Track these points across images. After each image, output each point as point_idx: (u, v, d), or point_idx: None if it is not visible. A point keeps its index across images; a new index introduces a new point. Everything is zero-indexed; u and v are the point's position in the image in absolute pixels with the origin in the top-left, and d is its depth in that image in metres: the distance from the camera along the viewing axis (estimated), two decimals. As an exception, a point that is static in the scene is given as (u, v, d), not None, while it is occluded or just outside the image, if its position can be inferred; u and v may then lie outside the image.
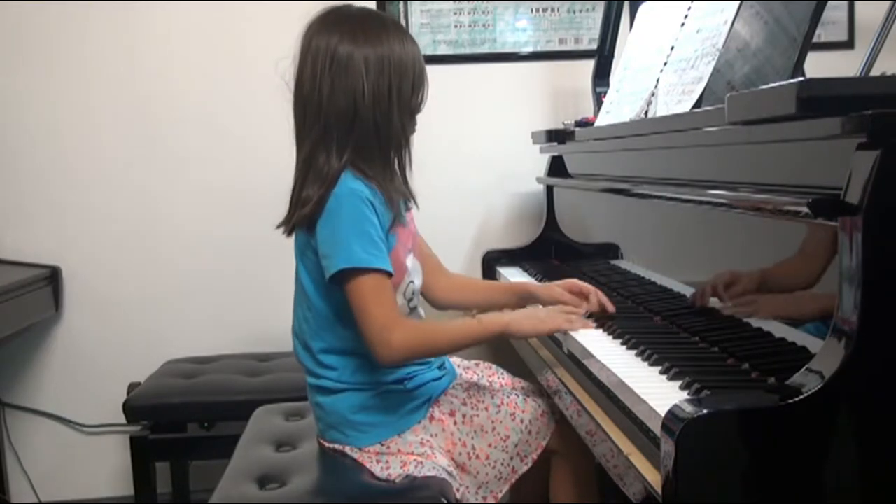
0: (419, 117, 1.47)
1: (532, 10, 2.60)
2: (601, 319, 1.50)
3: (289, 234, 1.44)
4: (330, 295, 1.40)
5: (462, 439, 1.46)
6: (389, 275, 1.35)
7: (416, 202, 1.49)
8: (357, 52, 1.36)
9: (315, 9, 1.43)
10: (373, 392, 1.42)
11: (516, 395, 1.53)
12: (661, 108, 1.68)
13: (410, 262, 1.49)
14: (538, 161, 2.44)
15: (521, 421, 1.49)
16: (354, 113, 1.36)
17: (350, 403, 1.42)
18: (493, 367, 1.64)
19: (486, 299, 1.70)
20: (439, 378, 1.49)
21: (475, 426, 1.47)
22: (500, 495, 1.48)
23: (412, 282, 1.49)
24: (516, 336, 1.53)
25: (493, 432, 1.47)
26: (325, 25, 1.39)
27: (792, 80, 1.01)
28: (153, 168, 2.52)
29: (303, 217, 1.37)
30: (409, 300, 1.48)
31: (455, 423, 1.47)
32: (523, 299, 1.64)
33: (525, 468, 1.49)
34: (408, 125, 1.43)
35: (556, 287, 1.59)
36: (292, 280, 1.48)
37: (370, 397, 1.42)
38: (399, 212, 1.42)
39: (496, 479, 1.47)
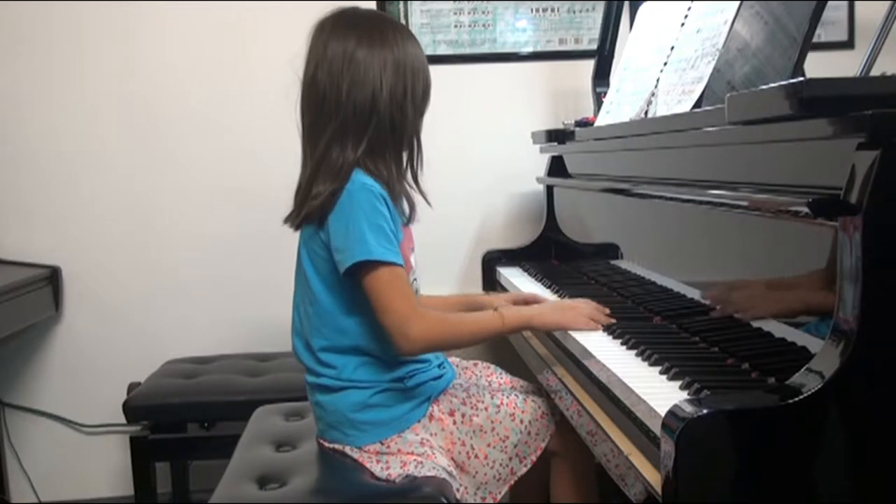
0: (419, 117, 1.48)
1: (532, 10, 2.60)
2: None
3: (296, 228, 1.45)
4: (336, 290, 1.41)
5: (461, 438, 1.46)
6: (402, 268, 1.37)
7: (428, 202, 1.50)
8: (374, 54, 1.39)
9: (317, 10, 1.44)
10: (373, 390, 1.42)
11: (515, 395, 1.53)
12: (661, 108, 1.68)
13: (413, 260, 1.50)
14: (538, 161, 2.44)
15: (521, 421, 1.49)
16: (372, 109, 1.38)
17: (350, 402, 1.42)
18: (492, 366, 1.65)
19: None
20: (439, 377, 1.50)
21: (474, 426, 1.47)
22: (498, 496, 1.48)
23: (415, 279, 1.50)
24: (540, 330, 1.58)
25: (492, 432, 1.47)
26: (340, 28, 1.42)
27: (792, 80, 1.01)
28: (153, 168, 2.52)
29: (314, 209, 1.38)
30: (412, 299, 1.49)
31: (454, 422, 1.47)
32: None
33: (524, 470, 1.49)
34: (419, 125, 1.46)
35: (501, 299, 1.66)
36: (292, 279, 1.48)
37: (370, 395, 1.42)
38: (404, 212, 1.44)
39: (495, 479, 1.47)
